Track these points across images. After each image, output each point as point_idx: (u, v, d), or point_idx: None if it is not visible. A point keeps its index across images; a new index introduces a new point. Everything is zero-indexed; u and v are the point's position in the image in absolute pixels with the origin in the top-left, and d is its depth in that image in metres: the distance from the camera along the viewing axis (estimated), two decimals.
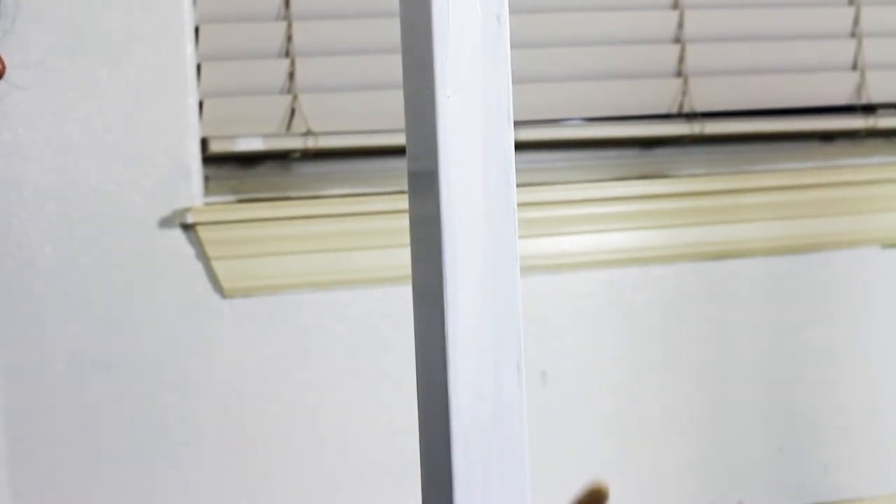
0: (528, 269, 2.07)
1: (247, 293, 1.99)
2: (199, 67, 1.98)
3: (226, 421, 1.99)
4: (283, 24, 2.01)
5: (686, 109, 2.16)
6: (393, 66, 2.02)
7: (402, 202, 1.94)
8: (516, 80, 0.86)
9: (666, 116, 2.16)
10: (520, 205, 0.86)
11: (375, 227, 2.02)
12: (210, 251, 1.96)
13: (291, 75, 2.01)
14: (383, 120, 2.02)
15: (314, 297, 2.01)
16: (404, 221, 0.94)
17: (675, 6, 2.17)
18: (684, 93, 2.16)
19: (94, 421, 1.94)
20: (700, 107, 2.16)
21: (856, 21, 2.24)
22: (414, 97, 0.84)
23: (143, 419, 1.96)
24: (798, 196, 2.20)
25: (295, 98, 2.00)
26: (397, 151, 2.05)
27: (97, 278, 1.93)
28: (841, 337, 2.23)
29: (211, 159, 2.00)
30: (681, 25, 2.17)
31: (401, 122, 0.89)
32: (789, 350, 2.21)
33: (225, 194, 2.02)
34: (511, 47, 0.82)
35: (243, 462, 2.00)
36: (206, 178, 2.01)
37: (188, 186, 1.96)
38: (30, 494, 1.93)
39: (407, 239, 0.89)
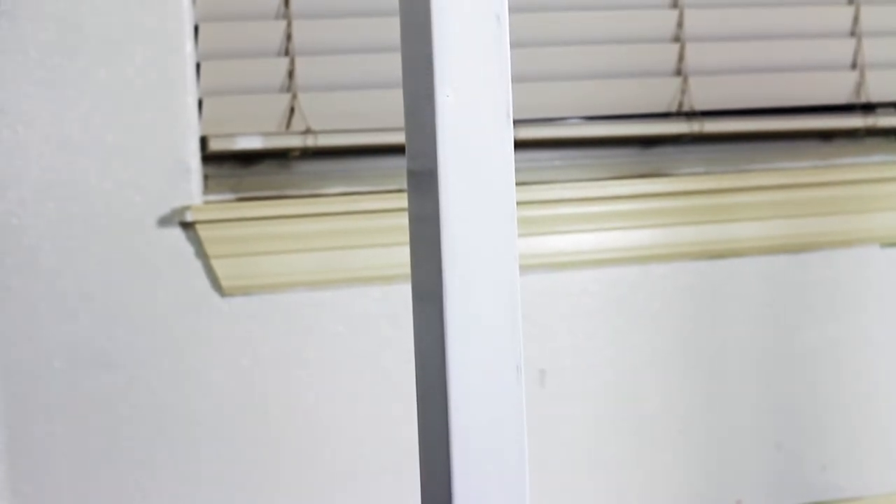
0: (527, 268, 2.07)
1: (246, 291, 1.99)
2: (198, 66, 1.98)
3: (225, 419, 1.99)
4: (283, 23, 2.01)
5: (685, 108, 2.16)
6: (392, 65, 2.03)
7: (402, 201, 1.95)
8: (516, 79, 0.86)
9: (665, 115, 2.17)
10: (519, 203, 0.86)
11: (375, 225, 2.02)
12: (209, 249, 1.96)
13: (291, 74, 2.01)
14: (383, 119, 2.02)
15: (313, 295, 2.01)
16: (403, 220, 0.94)
17: (675, 5, 2.17)
18: (684, 91, 2.16)
19: (92, 419, 1.94)
20: (699, 105, 2.16)
21: (855, 20, 2.24)
22: (413, 96, 0.84)
23: (142, 417, 1.96)
24: (797, 195, 2.20)
25: (294, 97, 2.00)
26: (397, 150, 2.05)
27: (96, 276, 1.93)
28: (840, 336, 2.23)
29: (210, 158, 2.01)
30: (680, 24, 2.17)
31: (400, 121, 0.89)
32: (788, 349, 2.21)
33: (224, 193, 2.03)
34: (511, 46, 0.82)
35: (242, 460, 2.00)
36: (206, 177, 2.01)
37: (187, 185, 1.96)
38: (29, 492, 1.93)
39: (406, 237, 0.89)
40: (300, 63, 2.01)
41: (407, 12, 0.83)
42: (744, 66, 2.20)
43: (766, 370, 2.21)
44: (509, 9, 0.82)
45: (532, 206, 2.07)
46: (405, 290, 1.99)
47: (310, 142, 1.99)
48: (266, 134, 1.99)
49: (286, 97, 2.00)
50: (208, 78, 1.98)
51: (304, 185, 2.05)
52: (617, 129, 2.15)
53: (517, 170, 0.84)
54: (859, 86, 2.24)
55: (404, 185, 1.99)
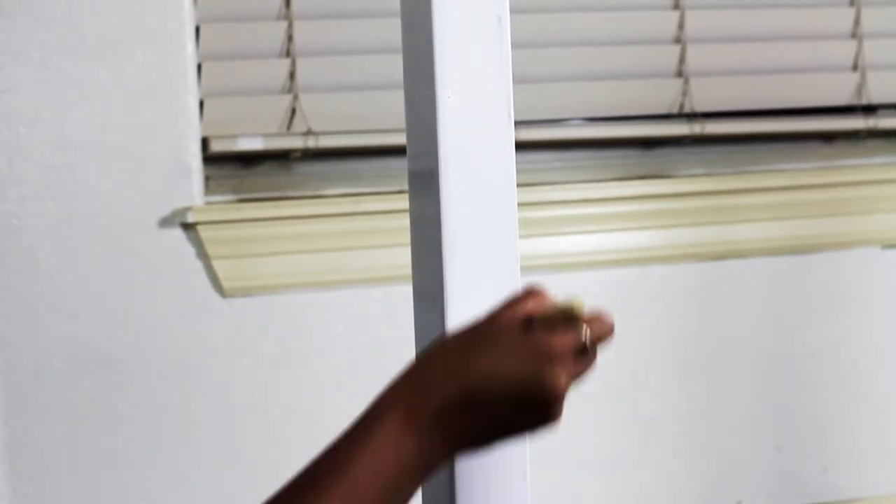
0: (528, 269, 2.07)
1: (247, 292, 1.99)
2: (199, 67, 1.98)
3: (225, 420, 1.99)
4: (284, 24, 2.01)
5: (686, 110, 2.16)
6: (394, 66, 2.02)
7: (403, 202, 1.94)
8: (516, 80, 0.85)
9: (666, 116, 2.16)
10: (520, 205, 0.86)
11: (376, 226, 2.02)
12: (210, 250, 1.96)
13: (292, 75, 2.01)
14: (384, 120, 2.02)
15: (314, 296, 2.01)
16: (405, 221, 0.94)
17: (676, 6, 2.17)
18: (685, 93, 2.16)
19: (92, 419, 1.94)
20: (700, 107, 2.16)
21: (856, 22, 2.24)
22: (414, 97, 0.84)
23: (142, 418, 1.96)
24: (798, 196, 2.20)
25: (295, 98, 2.00)
26: (398, 151, 2.05)
27: (97, 277, 1.93)
28: (841, 337, 2.23)
29: (211, 159, 2.00)
30: (681, 26, 2.17)
31: (401, 122, 0.89)
32: (789, 350, 2.21)
33: (225, 194, 2.02)
34: (511, 47, 0.81)
35: (243, 461, 2.00)
36: (207, 178, 2.01)
37: (188, 186, 1.96)
38: (29, 492, 1.93)
39: (407, 238, 0.89)
40: (301, 64, 2.01)
41: (408, 14, 0.83)
42: (745, 68, 2.20)
43: (767, 371, 2.20)
44: (510, 10, 0.82)
45: (533, 208, 2.07)
46: (406, 291, 1.99)
47: (311, 143, 1.99)
48: (267, 135, 1.99)
49: (287, 98, 2.00)
50: (209, 79, 1.98)
51: (305, 187, 2.05)
52: (618, 130, 2.15)
53: (518, 171, 0.83)
54: (860, 87, 2.24)
55: (405, 186, 1.99)
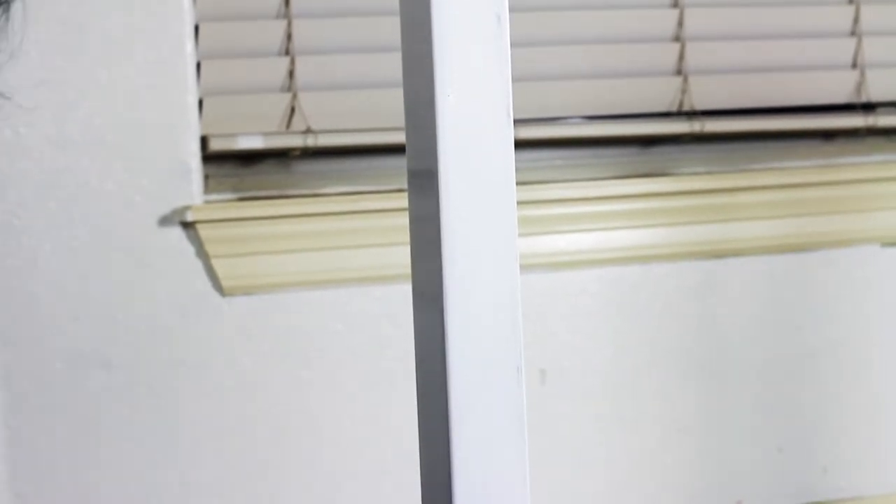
0: (528, 268, 2.07)
1: (246, 291, 1.99)
2: (198, 65, 1.98)
3: (225, 419, 1.99)
4: (283, 23, 2.01)
5: (686, 108, 2.16)
6: (393, 65, 2.03)
7: (402, 200, 1.95)
8: (516, 79, 0.86)
9: (666, 115, 2.16)
10: (519, 203, 0.86)
11: (375, 225, 2.02)
12: (210, 249, 1.96)
13: (291, 73, 2.01)
14: (383, 118, 2.02)
15: (314, 295, 2.01)
16: (404, 220, 0.94)
17: (675, 4, 2.17)
18: (684, 91, 2.16)
19: (93, 420, 1.94)
20: (700, 105, 2.16)
21: (856, 19, 2.24)
22: (414, 95, 0.84)
23: (143, 418, 1.96)
24: (798, 194, 2.20)
25: (295, 96, 2.00)
26: (397, 150, 2.05)
27: (97, 277, 1.93)
28: (841, 336, 2.23)
29: (211, 157, 2.00)
30: (681, 24, 2.17)
31: (400, 121, 0.89)
32: (789, 349, 2.21)
33: (225, 192, 2.02)
34: (511, 46, 0.82)
35: (243, 461, 2.00)
36: (206, 177, 2.01)
37: (188, 184, 1.96)
38: (30, 494, 1.93)
39: (407, 237, 0.89)
40: (300, 63, 2.01)
41: (407, 12, 0.83)
42: (744, 66, 2.20)
43: (768, 370, 2.20)
44: (510, 8, 0.82)
45: (532, 206, 2.07)
46: (405, 290, 1.99)
47: (310, 141, 1.99)
48: (266, 133, 1.99)
49: (286, 97, 2.00)
50: (209, 77, 1.98)
51: (305, 185, 2.05)
52: (617, 128, 2.15)
53: (517, 169, 0.84)
54: (860, 85, 2.24)
55: (405, 185, 1.99)
